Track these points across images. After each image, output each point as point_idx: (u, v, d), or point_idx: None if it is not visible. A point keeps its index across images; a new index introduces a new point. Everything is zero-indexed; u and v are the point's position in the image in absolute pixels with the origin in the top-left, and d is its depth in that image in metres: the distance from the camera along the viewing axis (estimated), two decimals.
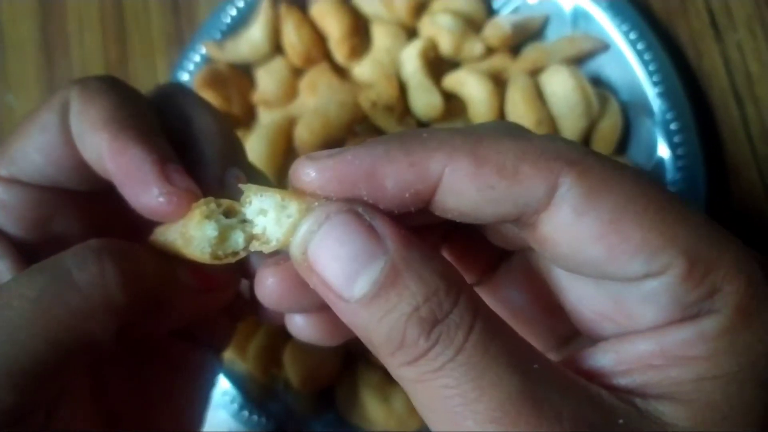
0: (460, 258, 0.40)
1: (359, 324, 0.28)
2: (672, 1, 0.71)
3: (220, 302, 0.44)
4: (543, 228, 0.29)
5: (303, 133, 0.67)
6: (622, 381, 0.29)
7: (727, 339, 0.28)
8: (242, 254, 0.33)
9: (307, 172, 0.30)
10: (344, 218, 0.28)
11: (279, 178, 0.68)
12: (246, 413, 0.66)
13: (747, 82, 0.69)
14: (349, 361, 0.66)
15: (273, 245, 0.31)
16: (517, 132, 0.30)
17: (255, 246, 0.32)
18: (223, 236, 0.33)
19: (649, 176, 0.30)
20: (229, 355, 0.68)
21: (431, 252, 0.29)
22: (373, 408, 0.64)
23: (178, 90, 0.46)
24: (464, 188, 0.29)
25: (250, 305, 0.44)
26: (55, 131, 0.39)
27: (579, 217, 0.28)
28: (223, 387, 0.67)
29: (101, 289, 0.33)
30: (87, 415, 0.38)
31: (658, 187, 0.29)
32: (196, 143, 0.41)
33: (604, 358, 0.30)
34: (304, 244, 0.29)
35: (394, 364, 0.28)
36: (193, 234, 0.33)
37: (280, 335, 0.67)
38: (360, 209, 0.29)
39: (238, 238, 0.33)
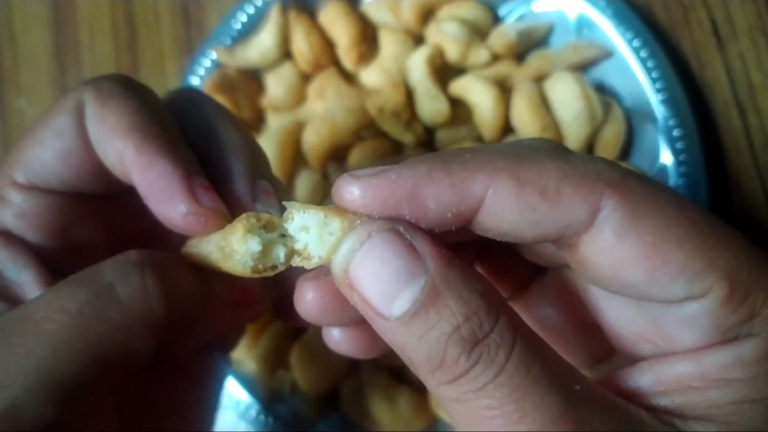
0: (494, 273, 0.40)
1: (399, 342, 0.28)
2: (675, 12, 0.72)
3: (252, 316, 0.44)
4: (584, 249, 0.30)
5: (311, 138, 0.68)
6: (662, 402, 0.30)
7: (767, 363, 0.28)
8: (281, 268, 0.33)
9: (351, 191, 0.30)
10: (385, 237, 0.29)
11: (287, 182, 0.69)
12: (253, 413, 0.67)
13: (749, 92, 0.70)
14: (356, 363, 0.67)
15: (315, 262, 0.32)
16: (557, 152, 0.30)
17: (296, 261, 0.32)
18: (265, 251, 0.33)
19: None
20: (237, 355, 0.69)
21: (471, 271, 0.29)
22: (378, 409, 0.65)
23: (196, 96, 0.45)
24: (506, 209, 0.29)
25: (277, 310, 0.43)
26: (72, 136, 0.38)
27: (621, 240, 0.28)
28: (230, 387, 0.68)
29: (143, 304, 0.33)
30: (112, 427, 0.38)
31: (697, 209, 0.29)
32: (223, 156, 0.40)
33: (643, 379, 0.30)
34: (346, 262, 0.29)
35: (433, 383, 0.28)
36: (236, 248, 0.33)
37: (288, 337, 0.68)
38: (401, 228, 0.29)
39: (280, 253, 0.33)
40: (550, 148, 0.32)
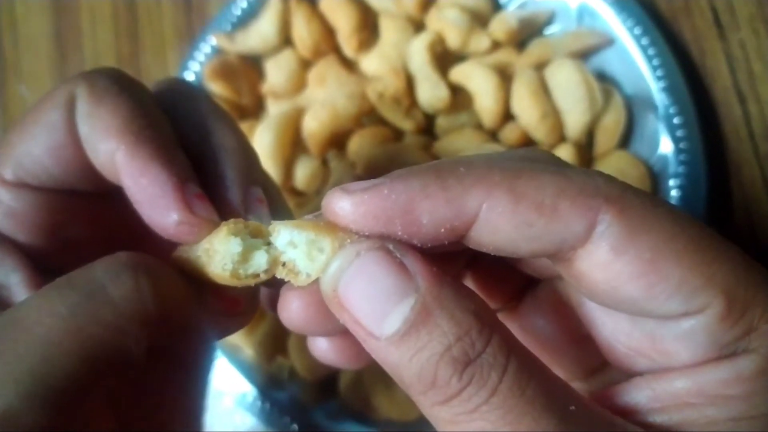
0: (486, 284, 0.40)
1: (390, 362, 0.28)
2: (676, 0, 0.72)
3: (239, 326, 0.43)
4: (580, 264, 0.29)
5: (311, 124, 0.68)
6: (658, 418, 0.29)
7: (765, 379, 0.28)
8: (263, 277, 0.32)
9: (342, 206, 0.29)
10: (375, 256, 0.28)
11: (286, 168, 0.69)
12: (251, 400, 0.67)
13: (749, 80, 0.70)
14: None
15: (303, 279, 0.31)
16: (554, 165, 0.30)
17: (281, 273, 0.32)
18: (246, 255, 0.32)
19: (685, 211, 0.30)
20: (235, 342, 0.69)
21: (463, 289, 0.28)
22: (376, 396, 0.65)
23: (190, 91, 0.43)
24: (501, 224, 0.28)
25: (271, 304, 0.43)
26: (63, 131, 0.37)
27: (618, 256, 0.28)
28: (228, 374, 0.68)
29: (137, 304, 0.32)
30: (110, 426, 0.36)
31: (695, 224, 0.29)
32: (216, 160, 0.39)
33: (640, 395, 0.30)
34: (335, 281, 0.29)
35: (426, 404, 0.28)
36: (217, 248, 0.33)
37: None
38: (391, 246, 0.28)
39: (261, 260, 0.32)
40: (547, 160, 0.32)
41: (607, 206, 0.28)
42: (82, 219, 0.40)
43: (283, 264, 0.32)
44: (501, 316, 0.40)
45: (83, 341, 0.30)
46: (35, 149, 0.37)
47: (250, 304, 0.40)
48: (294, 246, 0.31)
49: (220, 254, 0.32)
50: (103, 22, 0.87)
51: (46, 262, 0.38)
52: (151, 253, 0.35)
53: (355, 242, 0.29)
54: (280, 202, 0.44)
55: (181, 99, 0.42)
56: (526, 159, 0.31)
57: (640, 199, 0.29)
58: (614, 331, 0.33)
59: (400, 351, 0.27)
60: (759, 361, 0.28)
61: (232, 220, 0.33)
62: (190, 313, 0.35)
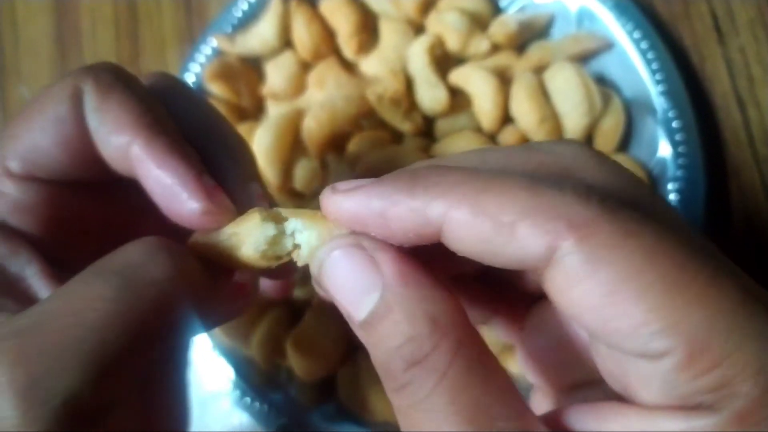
0: (496, 293, 0.40)
1: (365, 342, 0.31)
2: (676, 5, 0.72)
3: (238, 313, 0.44)
4: (546, 284, 0.29)
5: (311, 126, 0.68)
6: None
7: None
8: (284, 259, 0.35)
9: (326, 204, 0.32)
10: (348, 251, 0.31)
11: (286, 170, 0.69)
12: (248, 400, 0.67)
13: (749, 86, 0.70)
14: (351, 351, 0.67)
15: (302, 261, 0.35)
16: (529, 180, 0.29)
17: (294, 256, 0.35)
18: (276, 239, 0.35)
19: (682, 235, 0.28)
20: (232, 342, 0.69)
21: (429, 291, 0.30)
22: (374, 398, 0.65)
23: (181, 87, 0.44)
24: (462, 237, 0.29)
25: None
26: (72, 124, 0.37)
27: (574, 286, 0.27)
28: (225, 374, 0.68)
29: (177, 282, 0.34)
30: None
31: (679, 258, 0.27)
32: (219, 157, 0.41)
33: (591, 424, 0.29)
34: (318, 269, 0.32)
35: (387, 388, 0.30)
36: (252, 232, 0.35)
37: (284, 324, 0.68)
38: (366, 243, 0.31)
39: (288, 243, 0.35)
40: (526, 174, 0.31)
41: (568, 232, 0.27)
42: (84, 210, 0.41)
43: (297, 246, 0.35)
44: (507, 325, 0.40)
45: (133, 321, 0.32)
46: (43, 142, 0.38)
47: (254, 290, 0.43)
48: (300, 232, 0.34)
49: (255, 237, 0.35)
50: (104, 22, 0.87)
51: (53, 254, 0.39)
52: None
53: (336, 236, 0.32)
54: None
55: (175, 94, 0.42)
56: (507, 167, 0.32)
57: (614, 225, 0.27)
58: (595, 350, 0.32)
59: (369, 336, 0.30)
60: (719, 421, 0.26)
61: (257, 208, 0.36)
62: (209, 295, 0.37)
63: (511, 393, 0.29)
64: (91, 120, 0.37)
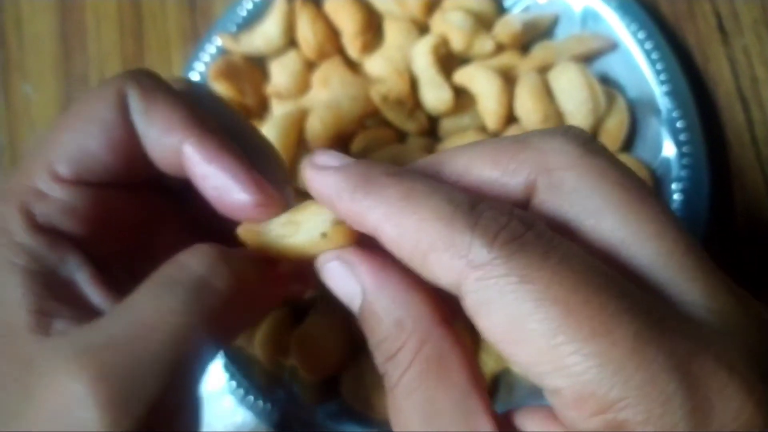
0: None
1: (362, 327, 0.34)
2: (680, 5, 0.72)
3: (300, 294, 0.49)
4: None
5: (315, 125, 0.68)
6: None
7: None
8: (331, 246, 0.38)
9: (303, 175, 0.35)
10: (332, 266, 0.35)
11: (290, 168, 0.69)
12: (252, 398, 0.67)
13: (753, 86, 0.70)
14: (355, 349, 0.67)
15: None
16: (450, 209, 0.30)
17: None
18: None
19: (594, 271, 0.28)
20: (236, 342, 0.69)
21: (402, 295, 0.33)
22: (378, 396, 0.65)
23: (212, 95, 0.46)
24: (393, 250, 0.32)
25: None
26: (120, 128, 0.38)
27: (478, 319, 0.29)
28: (229, 373, 0.68)
29: (240, 290, 0.36)
30: None
31: (574, 300, 0.27)
32: (256, 161, 0.41)
33: (530, 424, 0.31)
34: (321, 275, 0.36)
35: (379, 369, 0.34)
36: (309, 219, 0.37)
37: (288, 323, 0.68)
38: (347, 256, 0.34)
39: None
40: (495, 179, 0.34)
41: (468, 271, 0.28)
42: (118, 210, 0.42)
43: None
44: None
45: (201, 332, 0.34)
46: (92, 146, 0.38)
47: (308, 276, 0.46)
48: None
49: (314, 222, 0.36)
50: (108, 21, 0.87)
51: (97, 257, 0.39)
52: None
53: (325, 252, 0.36)
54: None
55: (204, 99, 0.44)
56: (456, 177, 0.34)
57: (510, 268, 0.28)
58: None
59: (364, 329, 0.34)
60: None
61: (308, 201, 0.38)
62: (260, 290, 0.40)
63: (466, 392, 0.31)
64: (139, 123, 0.39)
